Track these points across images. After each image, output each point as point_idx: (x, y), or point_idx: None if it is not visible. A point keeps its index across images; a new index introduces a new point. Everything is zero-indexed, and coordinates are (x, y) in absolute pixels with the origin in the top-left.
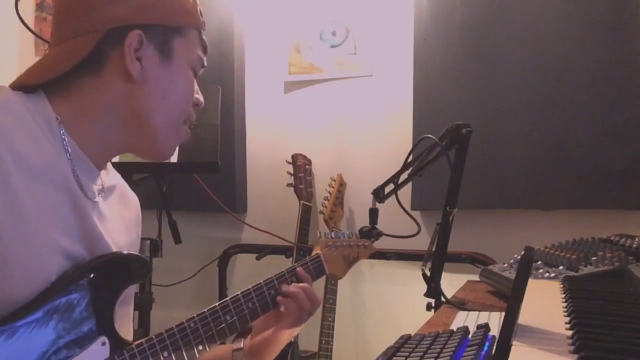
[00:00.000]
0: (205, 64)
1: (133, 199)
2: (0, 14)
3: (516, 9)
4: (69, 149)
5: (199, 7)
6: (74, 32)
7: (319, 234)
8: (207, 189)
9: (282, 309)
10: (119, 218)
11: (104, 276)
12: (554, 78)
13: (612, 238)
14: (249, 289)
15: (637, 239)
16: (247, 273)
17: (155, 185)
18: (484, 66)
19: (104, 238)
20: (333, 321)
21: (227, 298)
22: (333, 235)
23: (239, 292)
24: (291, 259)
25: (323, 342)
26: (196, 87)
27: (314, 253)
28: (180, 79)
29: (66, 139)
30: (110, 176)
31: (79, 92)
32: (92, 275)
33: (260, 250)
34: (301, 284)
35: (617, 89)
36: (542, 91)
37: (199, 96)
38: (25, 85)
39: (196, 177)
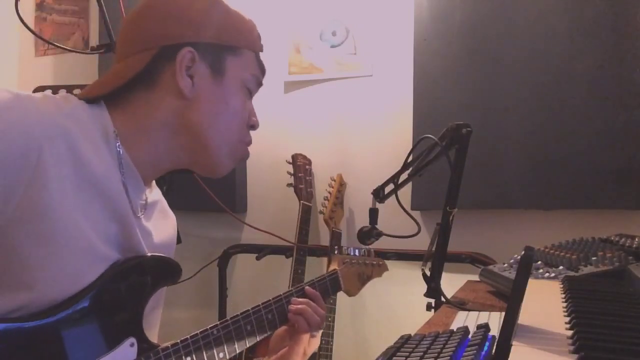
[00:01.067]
0: (262, 84)
1: (172, 216)
2: (0, 14)
3: (516, 9)
4: (122, 162)
5: (256, 30)
6: (132, 50)
7: (336, 250)
8: (207, 189)
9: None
10: (158, 234)
11: (136, 278)
12: (553, 78)
13: (612, 238)
14: (269, 300)
15: (637, 239)
16: (247, 273)
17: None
18: (484, 66)
19: (145, 251)
20: (333, 321)
21: (249, 308)
22: (350, 252)
23: (259, 303)
24: (291, 259)
25: (323, 342)
26: (253, 109)
27: (331, 268)
28: (233, 97)
29: (121, 151)
30: (154, 192)
31: (134, 106)
32: (123, 277)
33: (260, 250)
34: (306, 299)
35: (617, 89)
36: (542, 91)
37: (256, 118)
38: (87, 98)
39: (196, 177)
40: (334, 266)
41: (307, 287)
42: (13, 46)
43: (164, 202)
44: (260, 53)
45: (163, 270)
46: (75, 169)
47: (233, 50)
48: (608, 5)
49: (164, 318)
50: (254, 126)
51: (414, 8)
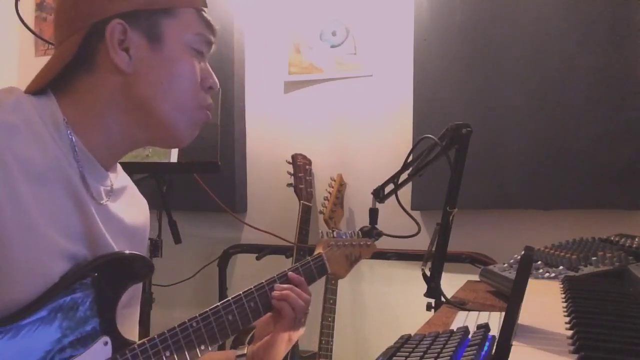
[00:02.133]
0: (213, 41)
1: (142, 202)
2: (0, 14)
3: (516, 9)
4: (77, 150)
5: None
6: (65, 33)
7: (321, 234)
8: (207, 189)
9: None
10: (126, 220)
11: (107, 275)
12: (554, 78)
13: (612, 238)
14: (250, 288)
15: (637, 239)
16: (247, 273)
17: (155, 185)
18: (484, 66)
19: (108, 240)
20: (333, 321)
21: (229, 297)
22: (335, 235)
23: (240, 292)
24: (291, 259)
25: (323, 342)
26: (209, 69)
27: (316, 252)
28: (177, 61)
29: (73, 139)
30: (120, 178)
31: (79, 91)
32: (94, 275)
33: (260, 250)
34: (289, 285)
35: (617, 89)
36: (542, 91)
37: (213, 79)
38: (34, 89)
39: (196, 177)
40: (318, 250)
41: (290, 273)
42: (13, 46)
43: (133, 188)
44: (204, 9)
45: (134, 267)
46: (20, 168)
47: (167, 12)
48: (608, 5)
49: (164, 318)
50: (211, 87)
51: (414, 8)
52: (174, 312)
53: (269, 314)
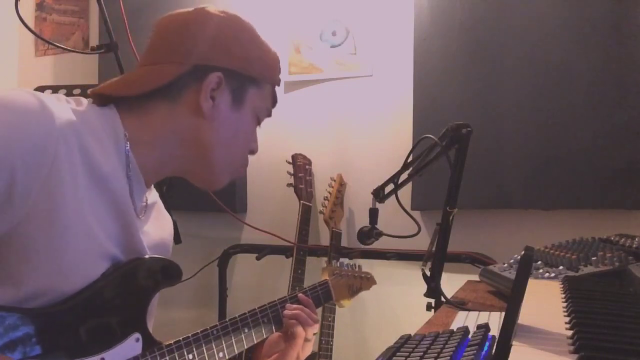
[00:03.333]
0: (271, 115)
1: (168, 217)
2: (0, 14)
3: (516, 9)
4: (130, 165)
5: (279, 65)
6: (163, 59)
7: (325, 263)
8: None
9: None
10: (157, 233)
11: (140, 277)
12: (554, 78)
13: (612, 238)
14: (264, 305)
15: (637, 239)
16: (247, 273)
17: (155, 185)
18: (484, 66)
19: (145, 250)
20: (333, 321)
21: (246, 312)
22: (339, 265)
23: (256, 307)
24: (291, 259)
25: (323, 342)
26: (256, 135)
27: (322, 279)
28: (245, 124)
29: (130, 155)
30: (152, 194)
31: (152, 114)
32: (129, 275)
33: (260, 250)
34: (299, 306)
35: (617, 89)
36: (542, 91)
37: (256, 144)
38: (104, 95)
39: None
40: (324, 276)
41: (300, 294)
42: (13, 46)
43: (160, 204)
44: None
45: (165, 272)
46: (85, 168)
47: (256, 82)
48: (608, 5)
49: (164, 318)
50: (252, 151)
51: (414, 8)
52: (174, 312)
53: (277, 333)
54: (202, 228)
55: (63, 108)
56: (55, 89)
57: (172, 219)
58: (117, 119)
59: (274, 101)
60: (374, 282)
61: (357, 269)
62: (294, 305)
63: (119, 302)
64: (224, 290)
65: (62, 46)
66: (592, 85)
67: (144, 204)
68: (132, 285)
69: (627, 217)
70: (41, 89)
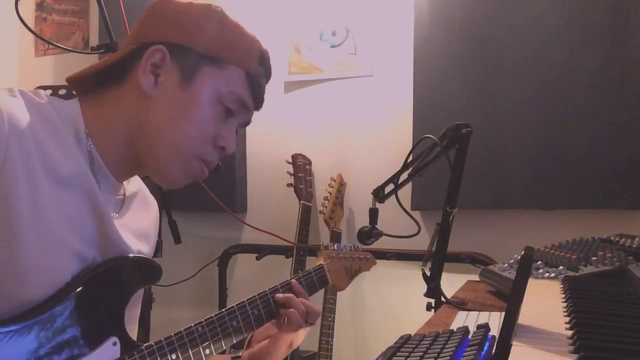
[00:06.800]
0: (250, 107)
1: (152, 201)
2: (0, 14)
3: (516, 9)
4: (94, 161)
5: (256, 52)
6: (126, 43)
7: (321, 246)
8: (207, 189)
9: (283, 318)
10: (140, 224)
11: (116, 278)
12: (554, 78)
13: (612, 238)
14: (254, 296)
15: (637, 239)
16: (247, 273)
17: (155, 185)
18: (484, 66)
19: (125, 245)
20: (333, 321)
21: (234, 304)
22: (335, 247)
23: (244, 299)
24: (291, 259)
25: (323, 342)
26: (232, 131)
27: (317, 263)
28: (197, 106)
29: (92, 150)
30: (132, 183)
31: (103, 102)
32: (104, 277)
33: (260, 250)
34: (291, 294)
35: (617, 89)
36: (542, 91)
37: (227, 140)
38: (71, 84)
39: None
40: (320, 261)
41: (293, 282)
42: (13, 46)
43: (144, 191)
44: (264, 80)
45: (143, 271)
46: (45, 167)
47: (214, 62)
48: (608, 5)
49: (164, 318)
50: (223, 148)
51: (414, 8)
52: (174, 312)
53: (269, 322)
54: (202, 228)
55: (16, 105)
56: (55, 89)
57: (172, 219)
58: (79, 113)
59: (252, 90)
60: (374, 262)
61: (355, 250)
62: (287, 294)
63: (93, 306)
64: (224, 290)
65: (62, 46)
66: (592, 85)
67: (121, 197)
68: (107, 287)
69: (627, 217)
70: (41, 89)
